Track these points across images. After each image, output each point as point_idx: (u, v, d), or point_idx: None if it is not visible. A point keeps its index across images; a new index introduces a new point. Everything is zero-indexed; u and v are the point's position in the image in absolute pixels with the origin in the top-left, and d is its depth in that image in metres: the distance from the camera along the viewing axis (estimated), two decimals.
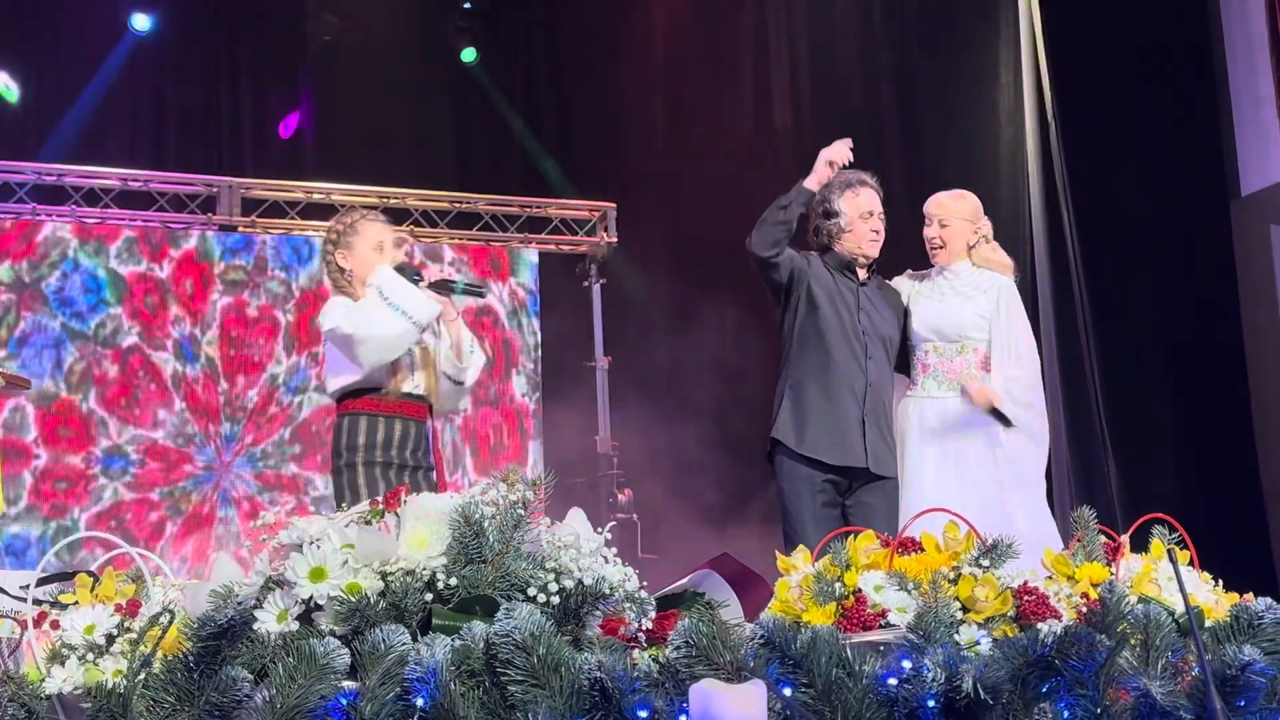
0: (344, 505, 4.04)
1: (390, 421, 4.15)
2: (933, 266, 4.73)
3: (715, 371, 7.13)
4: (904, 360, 4.71)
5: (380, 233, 4.27)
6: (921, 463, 4.51)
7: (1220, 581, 2.71)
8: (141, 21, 7.06)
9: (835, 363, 4.55)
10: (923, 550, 2.57)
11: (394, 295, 4.05)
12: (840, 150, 4.51)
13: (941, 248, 4.67)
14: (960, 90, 7.54)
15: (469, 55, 7.66)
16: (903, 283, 4.80)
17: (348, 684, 1.97)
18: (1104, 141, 7.16)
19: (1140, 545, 2.71)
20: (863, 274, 4.70)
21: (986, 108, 7.51)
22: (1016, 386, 4.47)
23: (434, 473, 4.23)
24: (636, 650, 2.17)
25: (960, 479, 4.43)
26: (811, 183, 4.53)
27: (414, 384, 4.22)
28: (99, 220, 6.84)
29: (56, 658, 2.29)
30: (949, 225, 4.67)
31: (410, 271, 4.19)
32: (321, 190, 7.22)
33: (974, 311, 4.56)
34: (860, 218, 4.63)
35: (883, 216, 4.68)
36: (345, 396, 4.20)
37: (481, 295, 4.31)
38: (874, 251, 4.68)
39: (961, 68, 7.56)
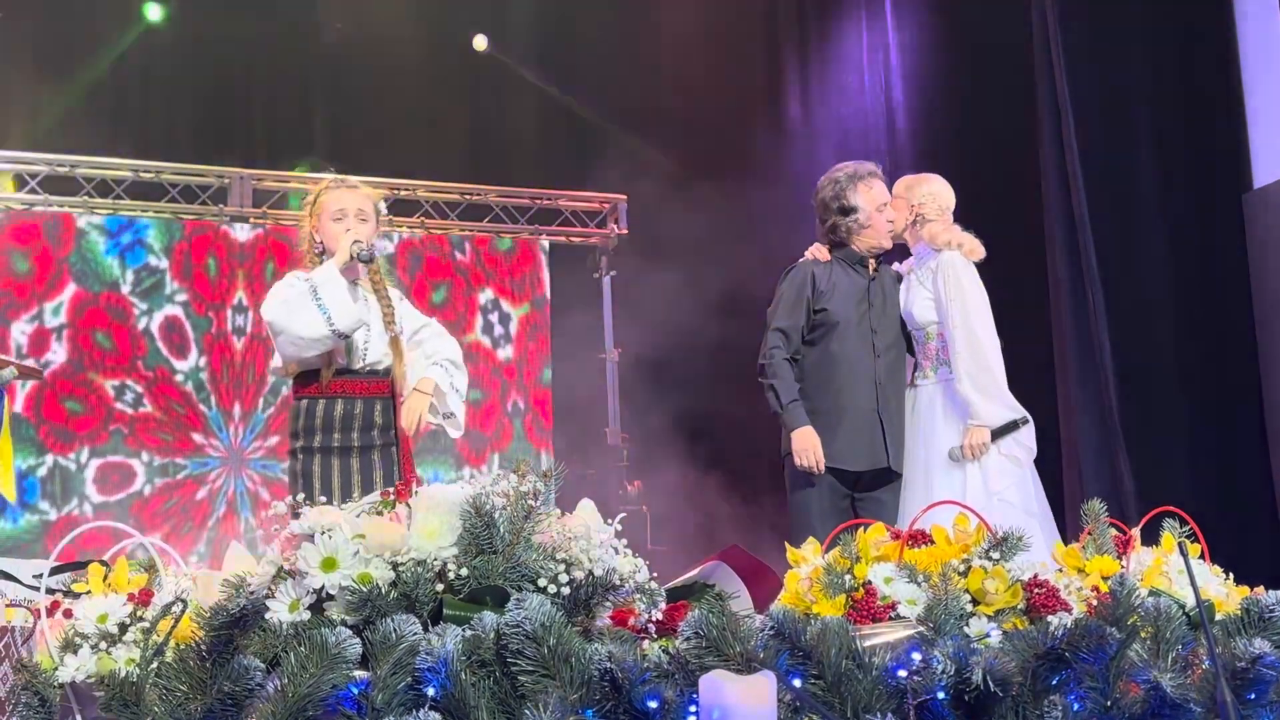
0: (296, 494, 4.03)
1: (332, 403, 4.03)
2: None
3: (725, 363, 7.12)
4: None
5: (339, 200, 4.14)
6: (910, 457, 4.52)
7: (1231, 574, 2.70)
8: (155, 13, 7.04)
9: (847, 365, 4.54)
10: (933, 543, 2.57)
11: (325, 295, 3.90)
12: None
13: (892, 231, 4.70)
14: (973, 84, 7.52)
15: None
16: (901, 268, 4.83)
17: (359, 673, 1.98)
18: (1117, 135, 7.13)
19: (1151, 538, 2.70)
20: (872, 266, 4.69)
21: (999, 100, 7.49)
22: (964, 391, 4.40)
23: (394, 448, 4.09)
24: (647, 641, 2.18)
25: (925, 476, 4.43)
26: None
27: (365, 360, 4.08)
28: (111, 211, 6.86)
29: (70, 646, 2.30)
30: (894, 206, 4.69)
31: (362, 253, 4.03)
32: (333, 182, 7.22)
33: (924, 297, 4.56)
34: (877, 210, 4.63)
35: (891, 205, 4.68)
36: (295, 381, 4.12)
37: (367, 260, 4.15)
38: (889, 243, 4.69)
39: (973, 61, 7.54)
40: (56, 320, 6.73)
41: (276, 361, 4.15)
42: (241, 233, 7.09)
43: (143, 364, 6.81)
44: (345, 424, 4.04)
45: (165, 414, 6.77)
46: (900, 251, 4.91)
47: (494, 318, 7.39)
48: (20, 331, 6.67)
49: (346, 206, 4.13)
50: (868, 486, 4.53)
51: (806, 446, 4.45)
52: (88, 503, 6.59)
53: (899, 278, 4.78)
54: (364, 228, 4.12)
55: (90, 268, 6.83)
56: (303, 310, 3.90)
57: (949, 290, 4.48)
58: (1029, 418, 4.50)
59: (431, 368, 4.20)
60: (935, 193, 4.68)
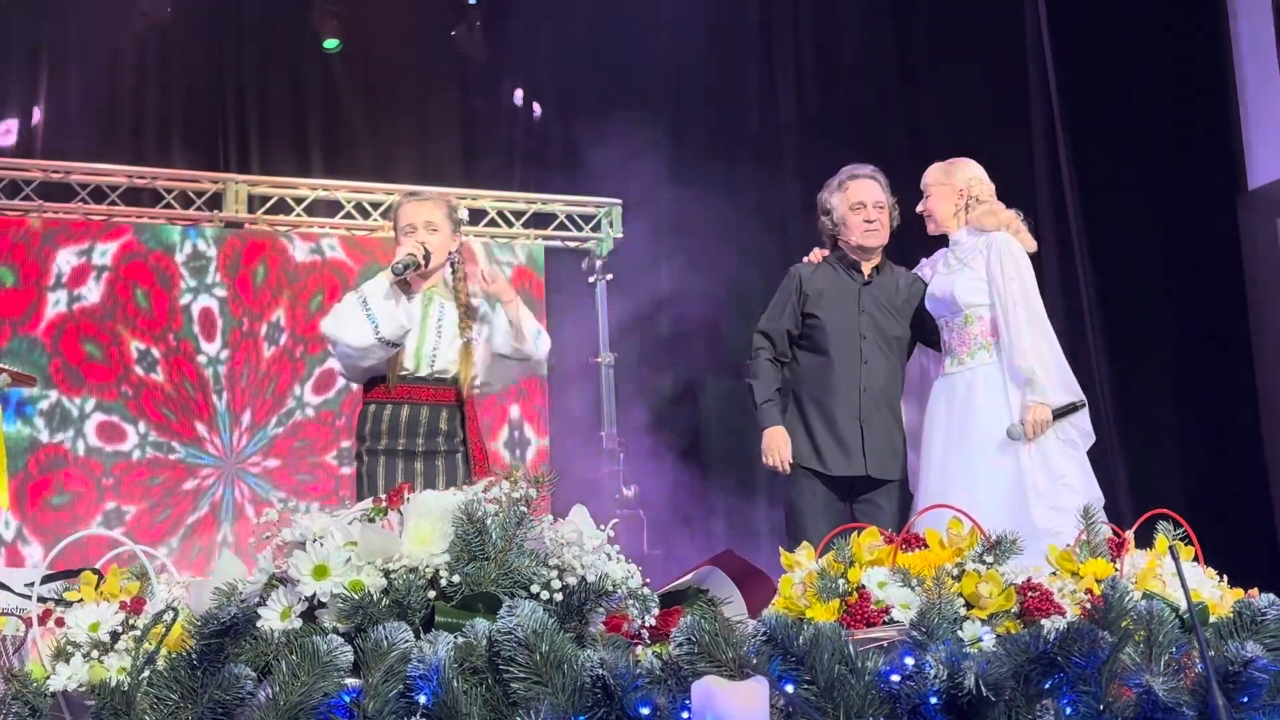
0: (361, 494, 4.08)
1: (399, 408, 4.11)
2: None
3: (721, 367, 7.12)
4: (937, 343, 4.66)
5: (409, 214, 4.21)
6: (946, 446, 4.43)
7: (1225, 576, 2.70)
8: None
9: (832, 371, 4.55)
10: (926, 546, 2.57)
11: (372, 304, 4.00)
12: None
13: (930, 218, 4.66)
14: (966, 83, 7.52)
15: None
16: (924, 268, 4.79)
17: (351, 681, 1.97)
18: (1111, 136, 7.14)
19: (1146, 540, 2.70)
20: (868, 269, 4.67)
21: (993, 102, 7.50)
22: (1028, 368, 4.31)
23: (460, 455, 4.13)
24: (639, 647, 2.18)
25: (971, 463, 4.34)
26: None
27: (434, 367, 4.14)
28: (105, 218, 6.85)
29: (61, 655, 2.30)
30: (930, 194, 4.66)
31: (395, 266, 4.05)
32: (328, 187, 7.23)
33: (970, 277, 4.47)
34: (851, 210, 4.64)
35: (880, 205, 4.65)
36: (365, 386, 4.21)
37: (410, 267, 4.15)
38: (870, 242, 4.65)
39: (968, 60, 7.54)
40: (103, 260, 6.75)
41: (337, 365, 4.27)
42: (300, 251, 7.04)
43: (173, 336, 6.78)
44: (410, 429, 4.10)
45: (175, 390, 6.74)
46: (909, 250, 4.89)
47: (517, 435, 7.35)
48: (65, 260, 6.68)
49: (415, 220, 4.20)
50: (862, 491, 4.53)
51: (771, 446, 4.52)
52: (82, 441, 6.55)
53: (915, 277, 4.74)
54: (434, 238, 4.17)
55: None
56: (352, 320, 4.01)
57: (1006, 269, 4.40)
58: (1085, 401, 4.44)
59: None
60: (979, 176, 4.64)
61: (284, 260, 7.03)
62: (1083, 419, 4.41)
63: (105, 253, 6.76)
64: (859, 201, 4.64)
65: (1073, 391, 4.40)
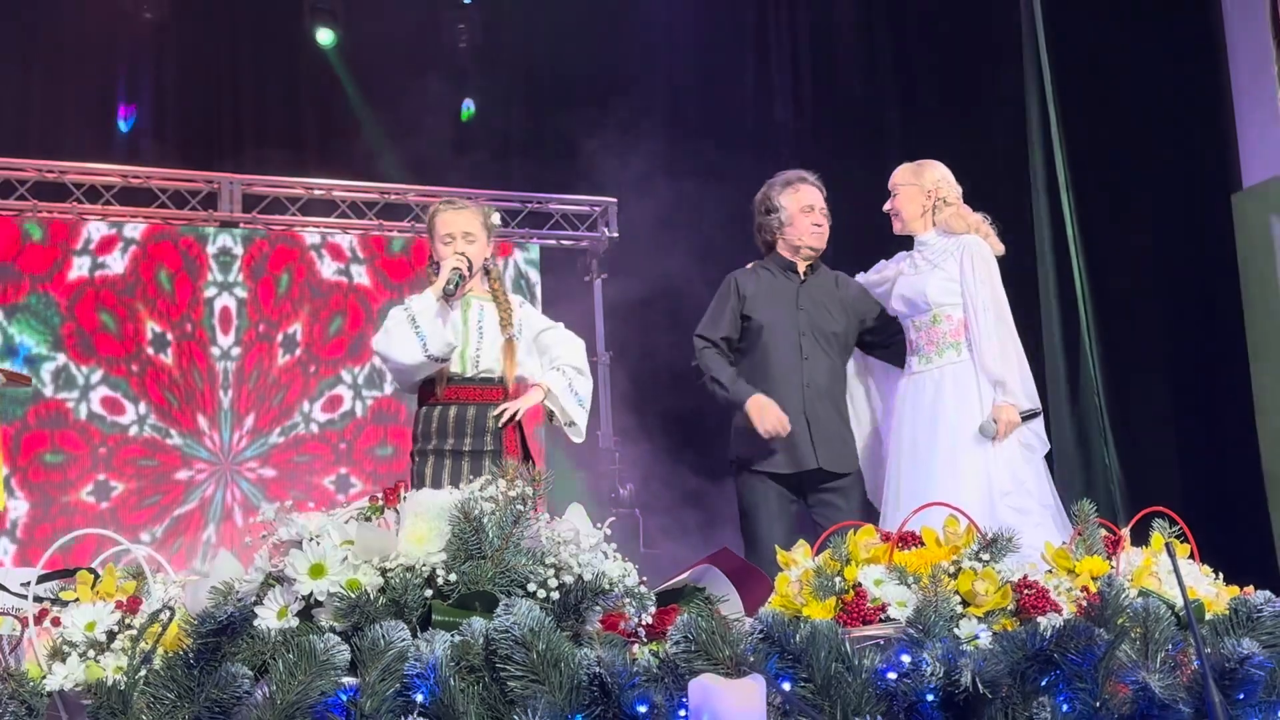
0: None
1: (446, 409, 4.16)
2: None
3: None
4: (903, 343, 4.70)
5: (448, 224, 4.23)
6: (914, 443, 4.46)
7: (1221, 574, 2.71)
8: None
9: (773, 368, 4.58)
10: (922, 544, 2.58)
11: (421, 323, 4.04)
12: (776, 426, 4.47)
13: (896, 217, 4.69)
14: (962, 82, 7.53)
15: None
16: (888, 267, 4.81)
17: (348, 680, 1.97)
18: (1106, 134, 7.15)
19: (1141, 538, 2.71)
20: (803, 268, 4.73)
21: (989, 100, 7.50)
22: (1000, 370, 4.37)
23: (503, 457, 4.10)
24: (636, 645, 2.18)
25: (939, 461, 4.37)
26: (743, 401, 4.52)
27: (479, 368, 4.18)
28: (100, 218, 6.84)
29: (58, 654, 2.30)
30: (898, 194, 4.69)
31: (447, 286, 4.08)
32: (322, 186, 7.22)
33: (941, 278, 4.51)
34: (801, 211, 4.72)
35: (825, 212, 4.75)
36: (420, 389, 4.25)
37: (458, 285, 4.16)
38: (817, 243, 4.73)
39: (963, 60, 7.55)
40: (132, 234, 6.77)
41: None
42: (327, 267, 7.03)
43: (190, 324, 6.77)
44: (458, 429, 4.15)
45: (182, 377, 6.72)
46: (869, 250, 4.92)
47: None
48: (95, 227, 6.72)
49: (453, 229, 4.22)
50: (815, 488, 4.53)
51: (760, 414, 4.44)
52: (84, 406, 6.55)
53: (848, 278, 4.80)
54: (472, 248, 4.21)
55: None
56: (402, 339, 4.06)
57: (978, 272, 4.46)
58: (1041, 410, 4.49)
59: (550, 372, 4.26)
60: (947, 177, 4.68)
61: (309, 273, 7.03)
62: (1039, 426, 4.49)
63: (136, 228, 6.80)
64: (809, 204, 4.73)
65: (1032, 399, 4.47)
